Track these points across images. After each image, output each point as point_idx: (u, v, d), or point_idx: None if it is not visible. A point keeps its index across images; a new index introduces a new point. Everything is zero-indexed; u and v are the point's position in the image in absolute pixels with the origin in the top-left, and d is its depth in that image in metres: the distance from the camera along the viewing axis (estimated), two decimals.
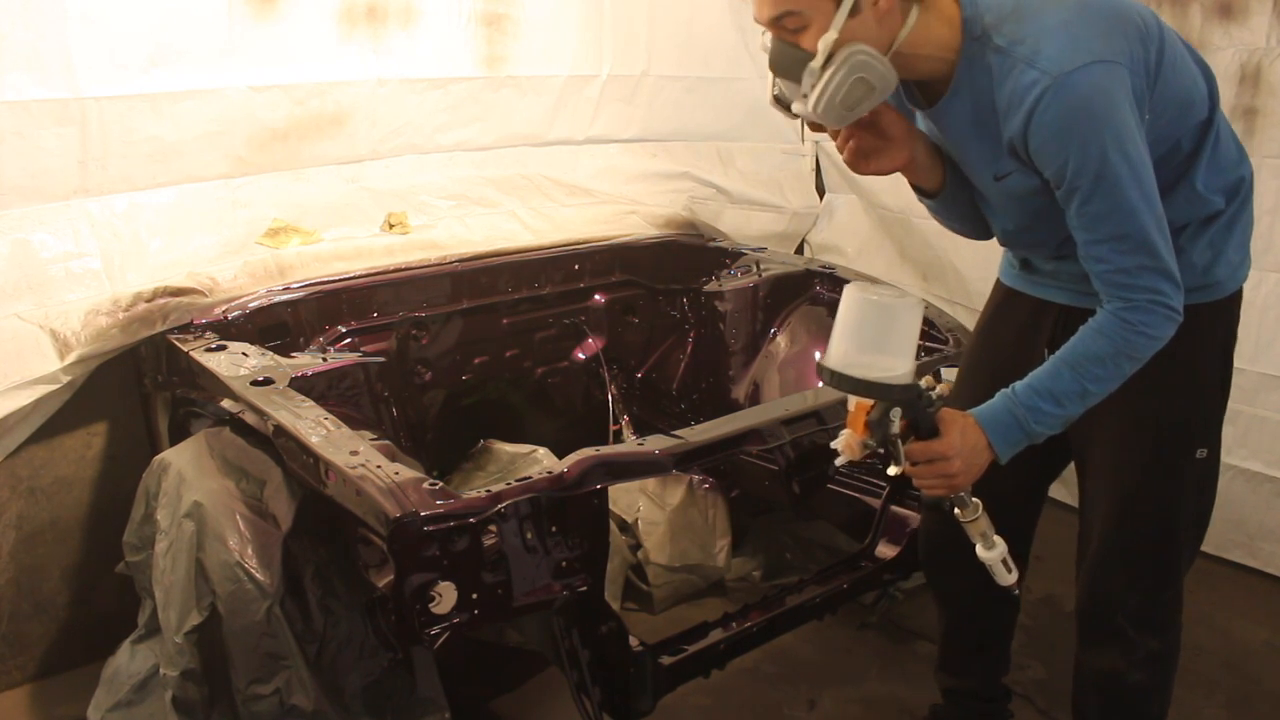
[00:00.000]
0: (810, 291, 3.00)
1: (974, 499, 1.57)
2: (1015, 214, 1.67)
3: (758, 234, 3.68)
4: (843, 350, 1.44)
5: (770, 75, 1.56)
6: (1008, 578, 1.60)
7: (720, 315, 3.04)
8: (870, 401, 1.46)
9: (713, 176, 3.67)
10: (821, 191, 4.02)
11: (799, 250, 3.99)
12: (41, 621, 2.50)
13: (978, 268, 3.37)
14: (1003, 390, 1.54)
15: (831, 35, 1.43)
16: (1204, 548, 2.97)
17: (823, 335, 2.80)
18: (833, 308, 2.80)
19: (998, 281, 1.94)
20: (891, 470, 1.52)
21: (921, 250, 3.62)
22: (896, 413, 1.46)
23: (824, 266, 3.05)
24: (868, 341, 1.43)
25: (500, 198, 3.16)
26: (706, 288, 3.11)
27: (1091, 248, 1.49)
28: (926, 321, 2.59)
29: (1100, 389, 1.51)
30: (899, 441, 1.49)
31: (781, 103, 1.57)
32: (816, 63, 1.45)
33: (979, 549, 1.58)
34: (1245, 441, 2.92)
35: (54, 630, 2.52)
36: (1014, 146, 1.51)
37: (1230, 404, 2.84)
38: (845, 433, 1.50)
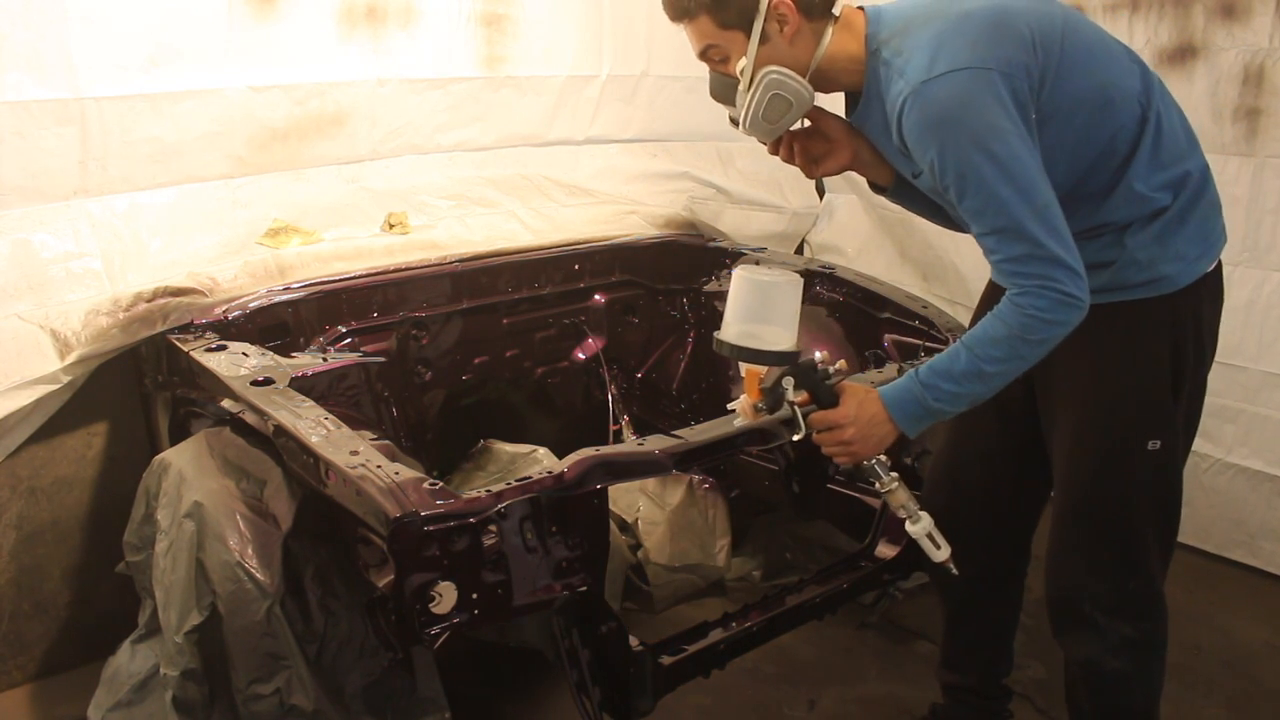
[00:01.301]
0: (810, 292, 3.00)
1: (891, 473, 1.66)
2: (947, 209, 1.73)
3: (758, 234, 3.68)
4: (731, 323, 1.61)
5: None
6: (937, 554, 1.66)
7: (720, 315, 3.03)
8: (761, 369, 1.62)
9: (713, 176, 3.67)
10: (821, 191, 4.01)
11: (799, 250, 3.99)
12: (42, 621, 2.50)
13: (978, 268, 3.34)
14: (910, 370, 1.64)
15: (743, 62, 1.61)
16: (1204, 547, 3.01)
17: (823, 335, 2.82)
18: (833, 308, 2.83)
19: (989, 278, 1.96)
20: (795, 437, 1.65)
21: (922, 250, 3.62)
22: (790, 381, 1.60)
23: (824, 267, 3.05)
24: (753, 315, 1.60)
25: (500, 198, 3.16)
26: (706, 288, 3.11)
27: (981, 239, 1.58)
28: (926, 322, 2.60)
29: (998, 369, 1.56)
30: (797, 410, 1.63)
31: (735, 123, 1.72)
32: (741, 86, 1.63)
33: (906, 524, 1.66)
34: (1247, 440, 2.92)
35: (54, 630, 2.52)
36: (901, 150, 1.62)
37: (1232, 402, 2.86)
38: (742, 397, 1.66)
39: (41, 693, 2.48)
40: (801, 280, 1.60)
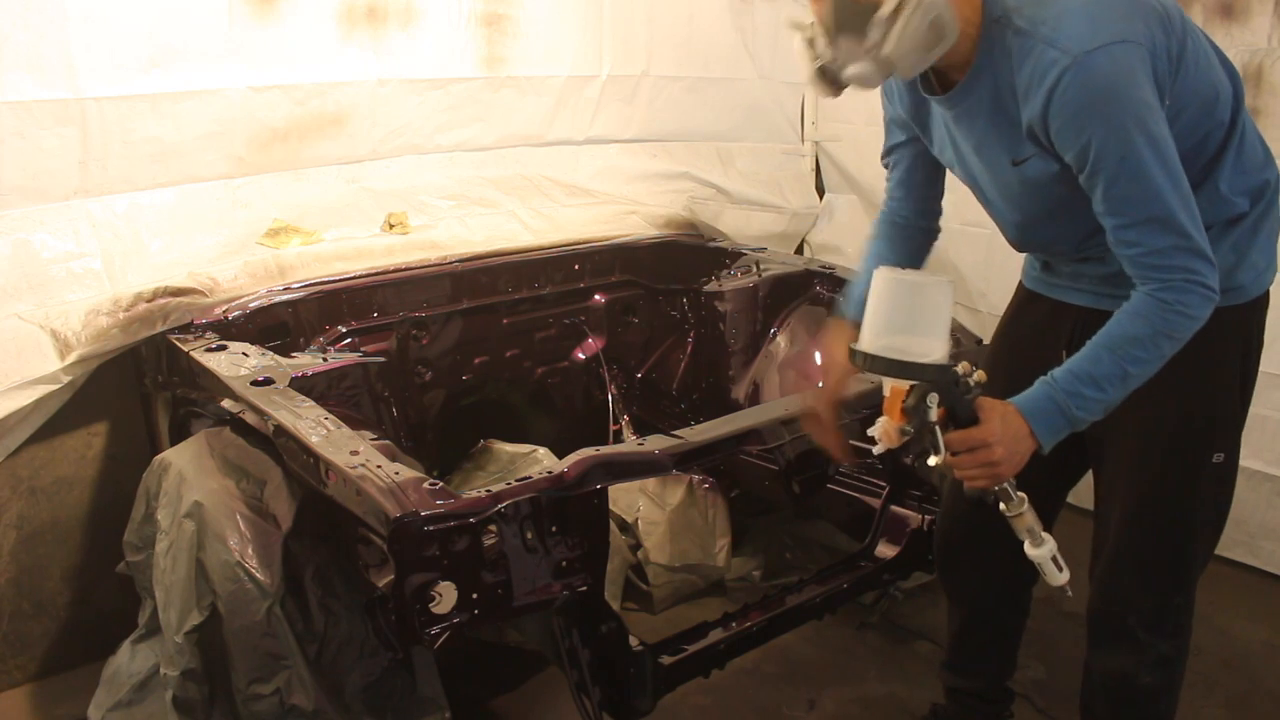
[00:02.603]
0: (810, 291, 3.00)
1: (1019, 493, 1.50)
2: (1032, 205, 1.65)
3: (758, 234, 3.68)
4: (875, 332, 1.43)
5: (808, 48, 1.52)
6: (1059, 577, 1.53)
7: (720, 315, 3.04)
8: (905, 387, 1.43)
9: (713, 176, 3.67)
10: (821, 191, 4.02)
11: (799, 250, 3.99)
12: (42, 621, 2.50)
13: (978, 268, 3.37)
14: (1041, 378, 1.50)
15: None
16: None
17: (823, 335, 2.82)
18: (833, 308, 2.83)
19: (1020, 284, 1.93)
20: (932, 461, 1.47)
21: None
22: (934, 398, 1.42)
23: (824, 266, 3.05)
24: (899, 323, 1.42)
25: (500, 198, 3.16)
26: (706, 288, 3.11)
27: (1121, 232, 1.47)
28: None
29: (1140, 370, 1.47)
30: (937, 430, 1.44)
31: (828, 75, 1.52)
32: (885, 10, 1.43)
33: (1027, 546, 1.52)
34: (1246, 440, 2.88)
35: (54, 630, 2.52)
36: (1033, 130, 1.50)
37: None
38: (882, 420, 1.47)
39: (41, 693, 2.48)
40: (953, 283, 1.45)
